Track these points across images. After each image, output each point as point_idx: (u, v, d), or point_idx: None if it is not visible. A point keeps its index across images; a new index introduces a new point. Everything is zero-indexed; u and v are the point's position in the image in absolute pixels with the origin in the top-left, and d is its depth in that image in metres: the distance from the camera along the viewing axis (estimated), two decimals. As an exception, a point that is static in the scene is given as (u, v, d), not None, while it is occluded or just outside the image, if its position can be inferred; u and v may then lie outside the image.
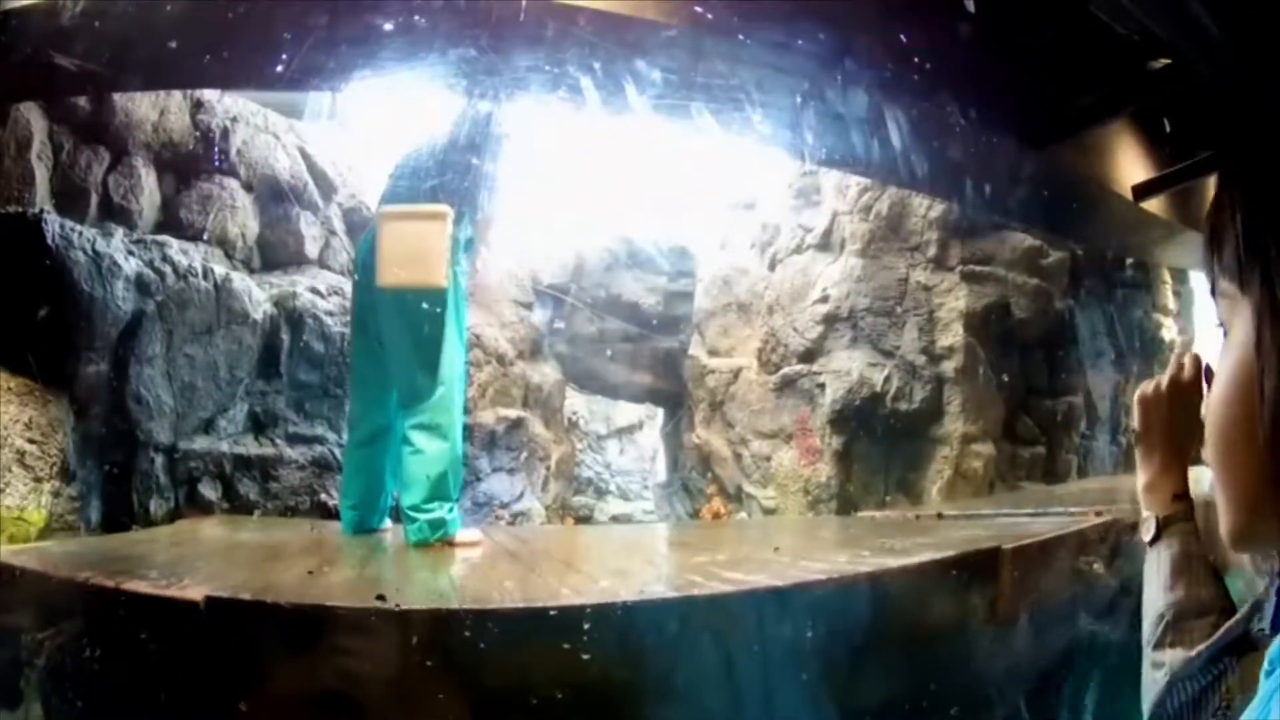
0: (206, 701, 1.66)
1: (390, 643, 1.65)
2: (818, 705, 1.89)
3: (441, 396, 3.21)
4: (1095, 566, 2.84)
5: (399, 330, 3.21)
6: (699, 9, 2.59)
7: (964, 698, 2.28)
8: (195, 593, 1.77)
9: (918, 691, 2.14)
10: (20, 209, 3.57)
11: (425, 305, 3.16)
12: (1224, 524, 0.59)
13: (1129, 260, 5.94)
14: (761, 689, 1.85)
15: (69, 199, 3.84)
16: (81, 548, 2.95)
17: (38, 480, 3.33)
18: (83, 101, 3.88)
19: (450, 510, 3.14)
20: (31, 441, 3.34)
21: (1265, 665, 0.56)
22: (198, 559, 2.63)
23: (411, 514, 3.11)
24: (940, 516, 3.75)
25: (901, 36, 3.01)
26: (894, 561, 2.28)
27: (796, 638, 1.90)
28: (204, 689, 1.67)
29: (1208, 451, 0.60)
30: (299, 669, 1.67)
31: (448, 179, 3.21)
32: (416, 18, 2.35)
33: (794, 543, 3.41)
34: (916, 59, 3.04)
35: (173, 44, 2.62)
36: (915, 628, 2.21)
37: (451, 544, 3.09)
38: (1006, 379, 5.01)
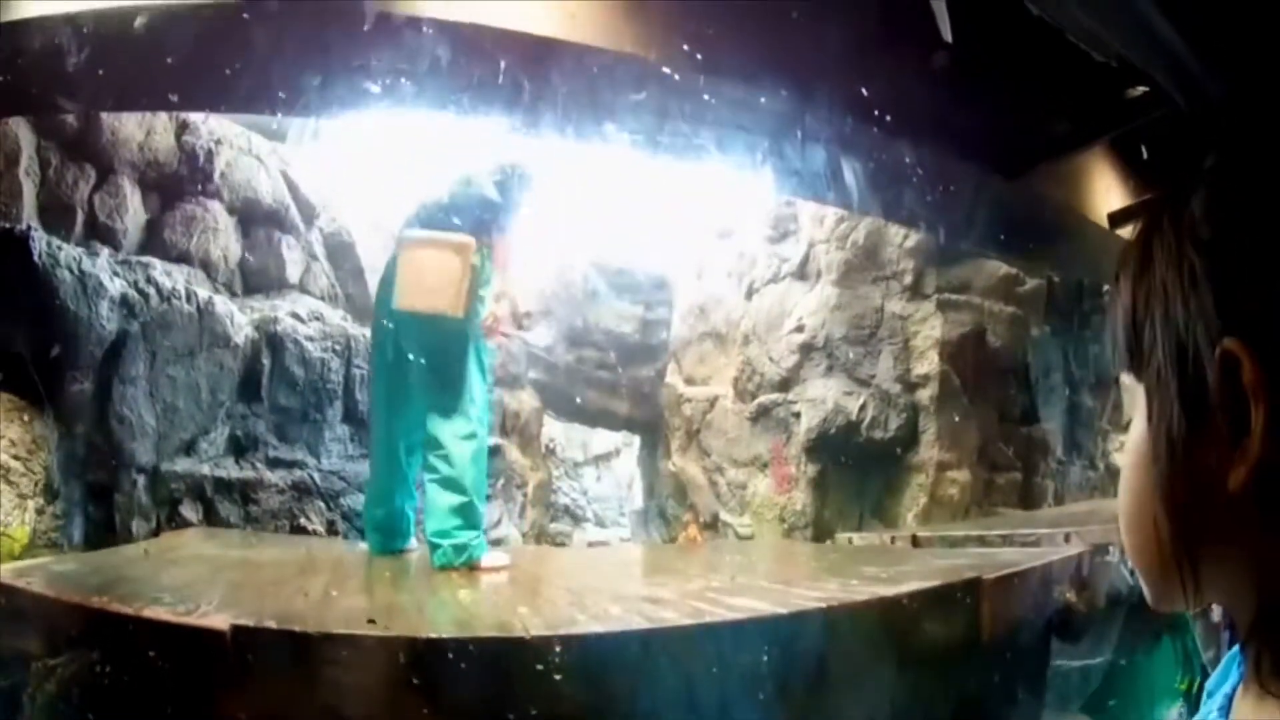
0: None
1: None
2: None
3: (463, 425, 3.25)
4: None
5: (418, 355, 3.25)
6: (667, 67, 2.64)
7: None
8: (220, 621, 1.73)
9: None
10: (7, 225, 3.57)
11: (443, 333, 3.22)
12: (1144, 590, 0.63)
13: (1105, 287, 5.98)
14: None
15: (55, 216, 3.85)
16: (80, 565, 2.87)
17: (22, 497, 3.35)
18: (70, 118, 3.88)
19: (477, 537, 3.18)
20: (16, 458, 3.36)
21: (1205, 693, 0.59)
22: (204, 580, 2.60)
23: (435, 540, 3.14)
24: (915, 541, 3.79)
25: (875, 63, 3.06)
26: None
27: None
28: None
29: (1120, 526, 0.62)
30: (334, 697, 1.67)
31: (475, 216, 3.30)
32: (388, 55, 2.40)
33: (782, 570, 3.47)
34: (889, 86, 3.09)
35: (148, 66, 2.64)
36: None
37: (476, 569, 3.12)
38: (982, 406, 5.05)
